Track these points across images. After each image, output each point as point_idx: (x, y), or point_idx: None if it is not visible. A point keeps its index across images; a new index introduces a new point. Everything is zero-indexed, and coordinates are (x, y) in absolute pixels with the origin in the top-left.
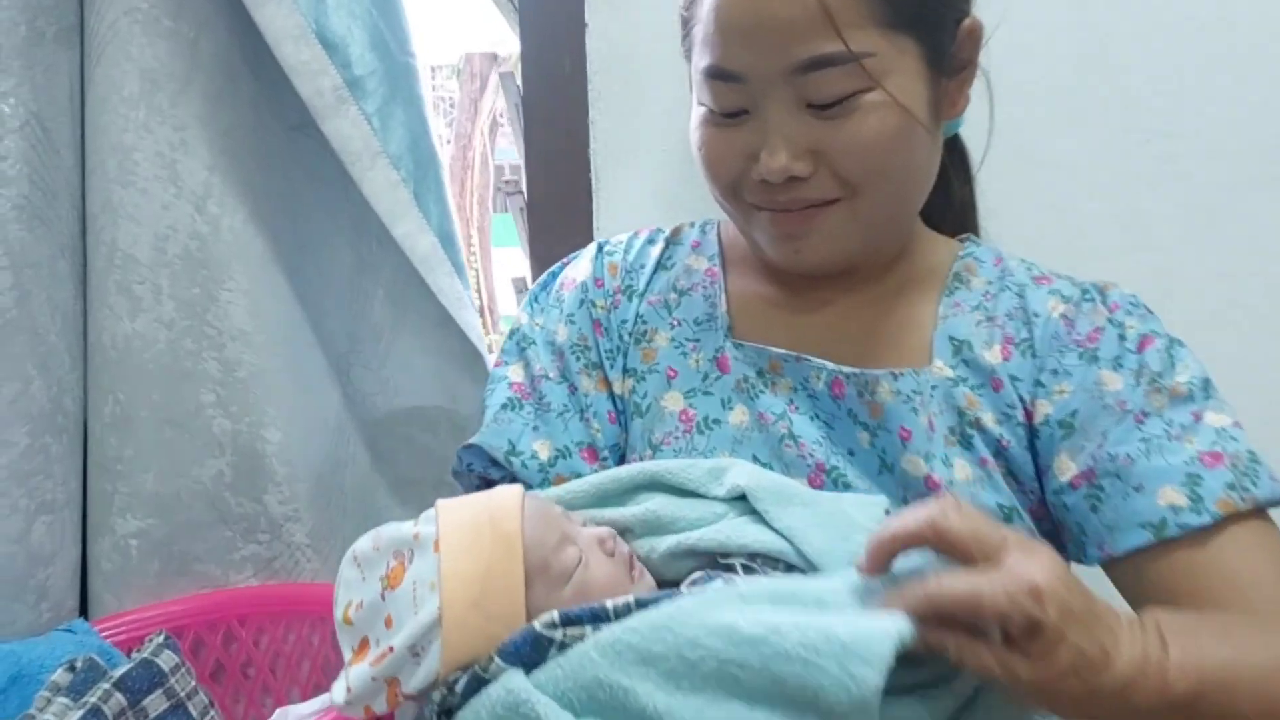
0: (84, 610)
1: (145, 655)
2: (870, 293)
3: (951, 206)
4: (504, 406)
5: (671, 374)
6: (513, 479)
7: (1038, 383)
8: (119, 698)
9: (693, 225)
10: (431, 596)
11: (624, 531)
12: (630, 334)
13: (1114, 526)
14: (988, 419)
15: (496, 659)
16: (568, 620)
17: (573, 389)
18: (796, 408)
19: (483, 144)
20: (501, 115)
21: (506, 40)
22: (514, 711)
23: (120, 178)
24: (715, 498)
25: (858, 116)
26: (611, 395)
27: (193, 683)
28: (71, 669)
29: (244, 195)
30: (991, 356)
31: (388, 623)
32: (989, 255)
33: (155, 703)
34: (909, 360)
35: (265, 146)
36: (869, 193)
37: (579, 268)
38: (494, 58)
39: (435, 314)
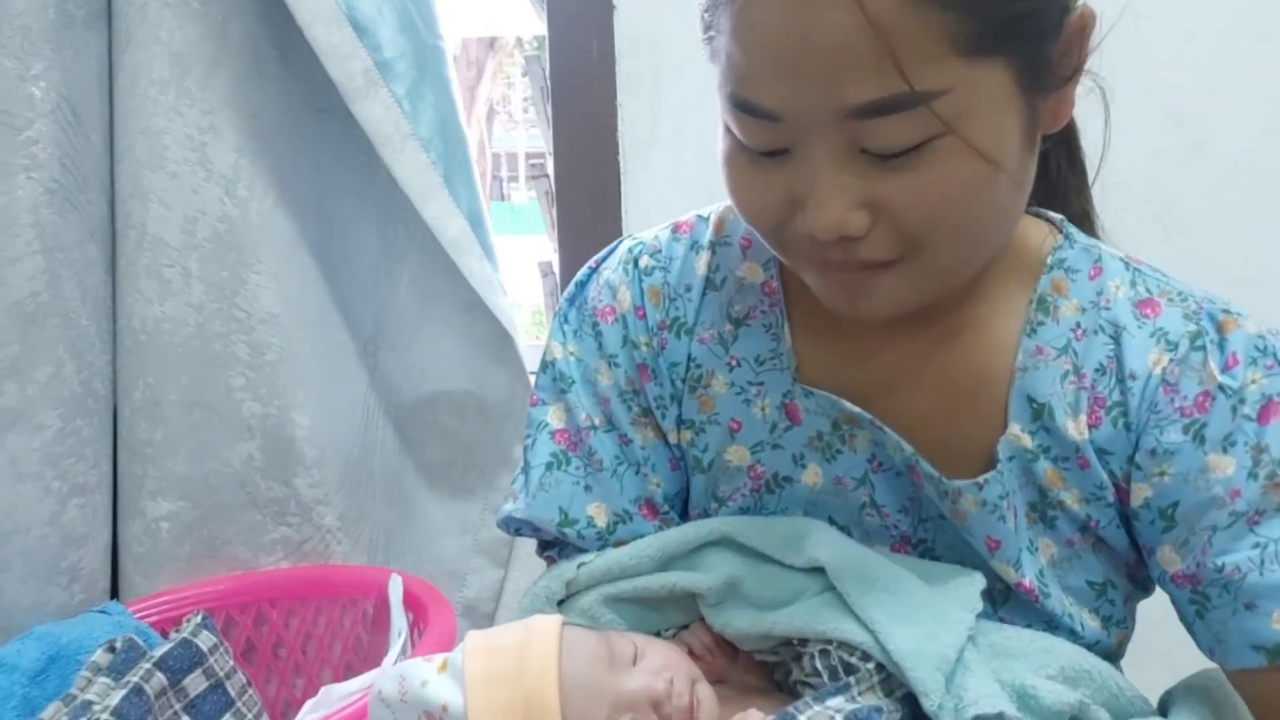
0: (115, 592)
1: (185, 635)
2: (948, 321)
3: (1050, 188)
4: (549, 466)
5: (735, 426)
6: (564, 544)
7: (1133, 462)
8: (160, 677)
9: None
10: None
11: (696, 597)
12: (684, 380)
13: (1223, 639)
14: (1071, 498)
15: None
16: None
17: (624, 439)
18: (879, 465)
19: (479, 132)
20: (499, 103)
21: (497, 24)
22: None
23: (150, 161)
24: (793, 567)
25: (926, 166)
26: (666, 441)
27: (230, 662)
28: (111, 649)
29: (272, 179)
30: (1076, 430)
31: None
32: (1085, 261)
33: (195, 682)
34: (984, 420)
35: (293, 130)
36: (937, 251)
37: (617, 294)
38: (490, 43)
39: (462, 298)
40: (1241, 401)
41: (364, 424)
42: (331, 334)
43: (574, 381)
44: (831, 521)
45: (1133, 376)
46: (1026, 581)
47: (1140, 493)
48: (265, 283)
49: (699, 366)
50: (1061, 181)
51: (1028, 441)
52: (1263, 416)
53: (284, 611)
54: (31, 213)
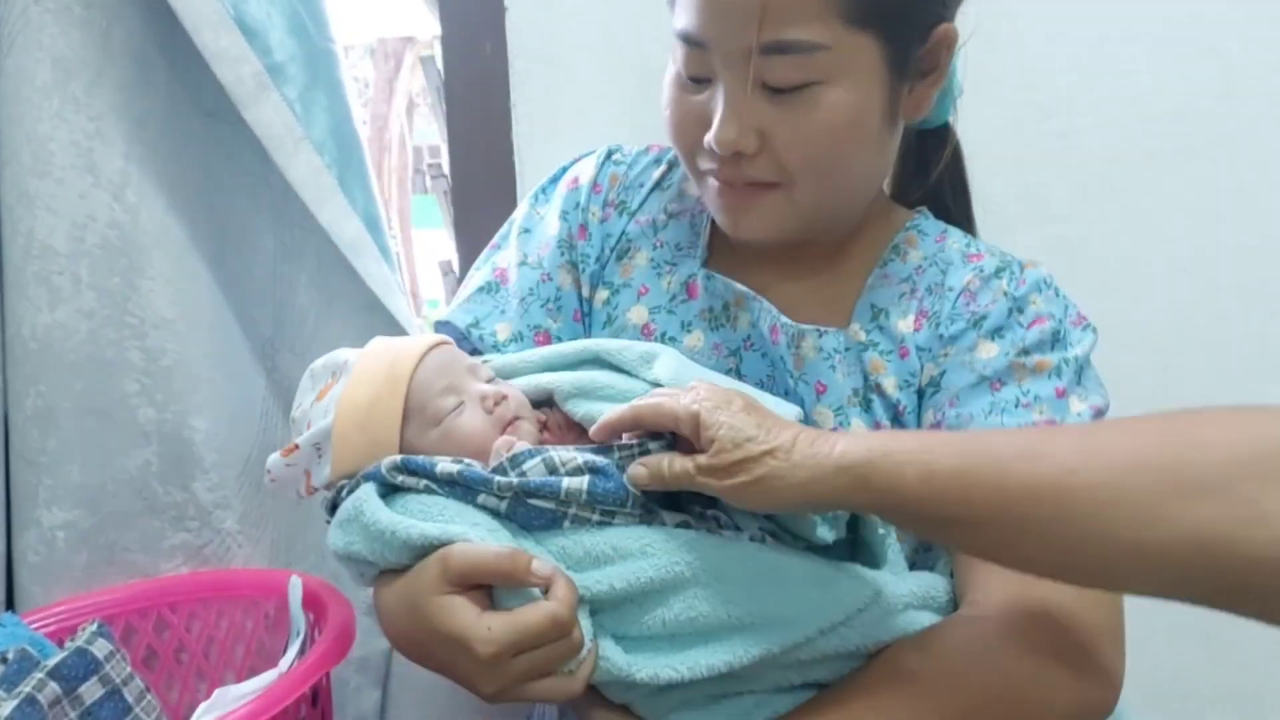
0: (10, 604)
1: (79, 644)
2: (822, 250)
3: (928, 187)
4: (481, 289)
5: (643, 291)
6: (475, 353)
7: (930, 350)
8: (54, 686)
9: None
10: (332, 412)
11: (555, 393)
12: (613, 250)
13: None
14: (889, 384)
15: (362, 478)
16: (407, 468)
17: (547, 277)
18: (752, 345)
19: (400, 125)
20: (418, 95)
21: (419, 23)
22: (357, 508)
23: (36, 168)
24: (644, 379)
25: (806, 107)
26: (580, 296)
27: (128, 669)
28: (3, 660)
29: (162, 183)
30: (905, 326)
31: (307, 426)
32: (935, 230)
33: (90, 690)
34: (833, 321)
35: (182, 134)
36: (805, 184)
37: (583, 168)
38: (407, 41)
39: (362, 299)
40: (1020, 311)
41: (263, 426)
42: (228, 337)
43: (526, 230)
44: None
45: (950, 289)
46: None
47: (929, 372)
48: (158, 288)
49: (629, 241)
50: (951, 204)
51: (862, 336)
52: (1031, 324)
53: (185, 616)
54: None
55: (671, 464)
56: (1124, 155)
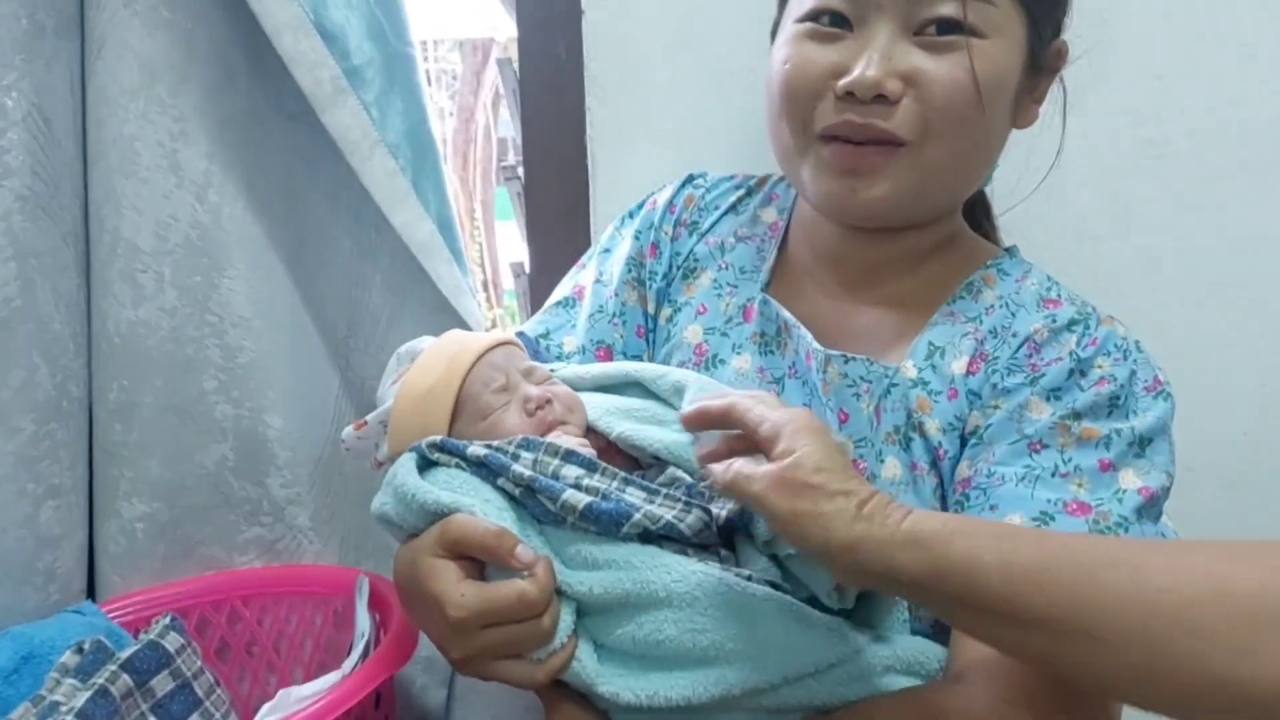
0: (91, 592)
1: (152, 637)
2: (893, 276)
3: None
4: (559, 303)
5: (701, 310)
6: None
7: (980, 397)
8: (126, 678)
9: (782, 179)
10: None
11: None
12: (680, 268)
13: None
14: (932, 425)
15: (410, 451)
16: (443, 448)
17: (614, 294)
18: (795, 372)
19: (486, 117)
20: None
21: (499, 24)
22: (394, 473)
23: (122, 168)
24: (675, 407)
25: (958, 56)
26: (647, 314)
27: (198, 663)
28: (79, 651)
29: (243, 184)
30: (959, 366)
31: (381, 403)
32: (1017, 270)
33: (162, 683)
34: (885, 354)
35: (263, 136)
36: (938, 143)
37: (663, 193)
38: (492, 41)
39: (434, 300)
40: (1083, 374)
41: (336, 425)
42: (304, 336)
43: (606, 250)
44: None
45: (1014, 335)
46: (860, 463)
47: (975, 421)
48: (237, 287)
49: (696, 261)
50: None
51: (913, 374)
52: (1092, 385)
53: (257, 610)
54: (4, 220)
55: (740, 467)
56: (1219, 165)
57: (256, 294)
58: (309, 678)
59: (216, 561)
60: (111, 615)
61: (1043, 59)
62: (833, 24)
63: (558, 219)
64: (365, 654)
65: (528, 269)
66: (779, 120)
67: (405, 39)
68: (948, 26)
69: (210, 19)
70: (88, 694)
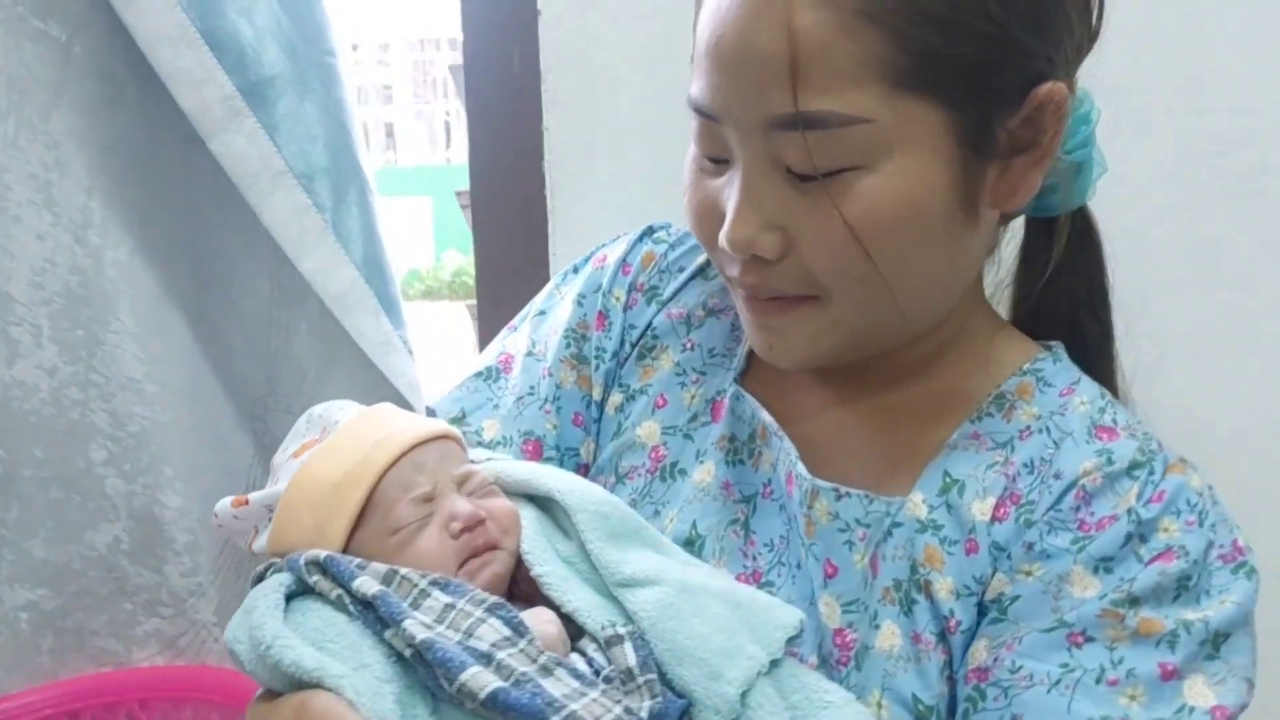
0: None
1: None
2: (902, 394)
3: (1057, 303)
4: (478, 375)
5: (661, 402)
6: None
7: (1009, 555)
8: None
9: None
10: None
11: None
12: (635, 345)
13: None
14: (942, 587)
15: (285, 564)
16: (327, 570)
17: (547, 372)
18: (771, 493)
19: None
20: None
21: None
22: (254, 602)
23: None
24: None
25: (841, 199)
26: (589, 398)
27: None
28: None
29: (131, 221)
30: (981, 510)
31: (275, 480)
32: (1062, 379)
33: None
34: (887, 483)
35: (156, 164)
36: (843, 297)
37: (615, 248)
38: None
39: None
40: (1143, 540)
41: None
42: (207, 400)
43: (542, 314)
44: (694, 526)
45: (1057, 476)
46: (848, 632)
47: (999, 586)
48: (124, 343)
49: (656, 337)
50: (1083, 325)
51: (922, 512)
52: (1152, 561)
53: (157, 715)
54: None
55: None
56: None
57: (149, 351)
58: None
59: (113, 656)
60: None
61: (998, 134)
62: (710, 158)
63: (510, 258)
64: None
65: (474, 317)
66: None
67: (325, 46)
68: (814, 171)
69: (90, 28)
70: None
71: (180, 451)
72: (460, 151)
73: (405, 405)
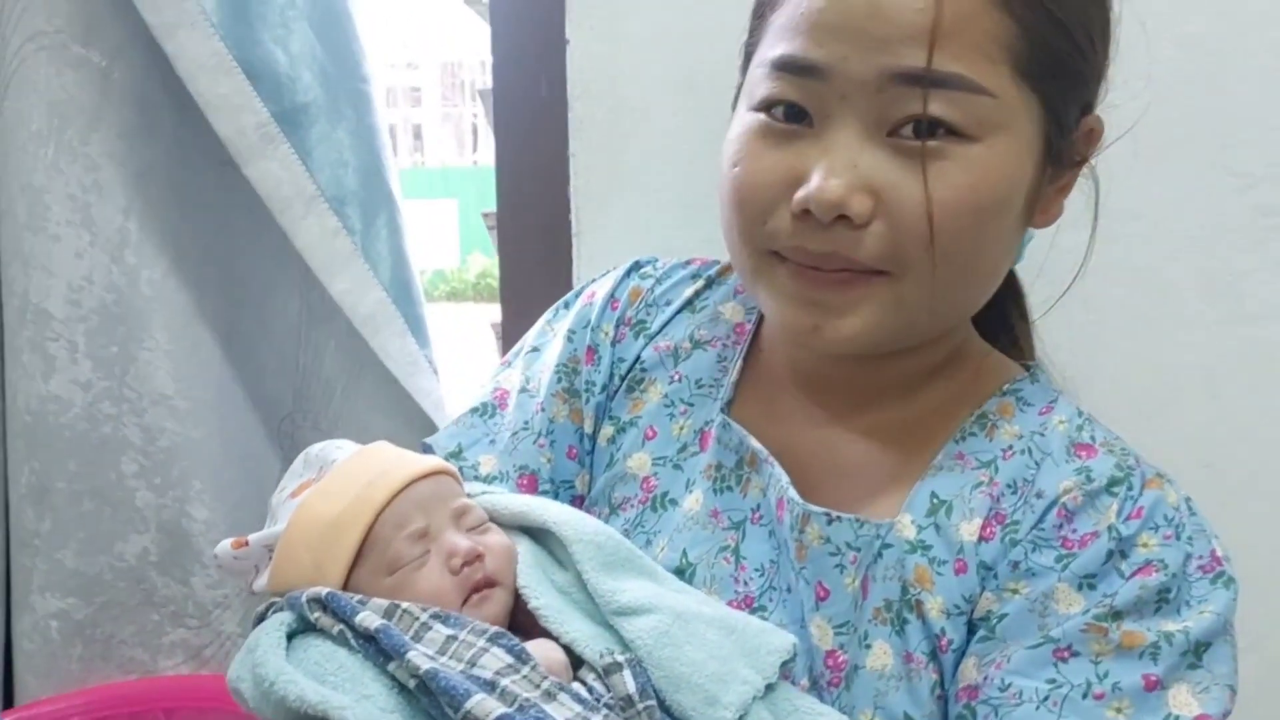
0: (9, 691)
1: None
2: (888, 402)
3: (1007, 330)
4: (475, 410)
5: (651, 434)
6: None
7: (995, 574)
8: None
9: None
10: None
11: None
12: (624, 379)
13: None
14: (933, 606)
15: (286, 602)
16: (328, 606)
17: (540, 408)
18: (760, 519)
19: None
20: None
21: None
22: (256, 640)
23: (30, 223)
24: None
25: (944, 166)
26: (581, 431)
27: None
28: None
29: (165, 243)
30: (969, 531)
31: (274, 520)
32: (1040, 398)
33: None
34: (877, 505)
35: (191, 187)
36: (922, 274)
37: (603, 284)
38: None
39: None
40: (1123, 556)
41: None
42: (236, 416)
43: (535, 350)
44: (685, 554)
45: (1039, 495)
46: (840, 654)
47: (986, 604)
48: (157, 360)
49: (644, 370)
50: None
51: (911, 533)
52: (1133, 575)
53: None
54: None
55: None
56: None
57: (179, 369)
58: None
59: (139, 665)
60: None
61: (1065, 148)
62: (788, 118)
63: (535, 284)
64: None
65: (501, 337)
66: (729, 231)
67: (358, 73)
68: (926, 128)
69: (129, 55)
70: None
71: (209, 466)
72: (487, 154)
73: (430, 423)
